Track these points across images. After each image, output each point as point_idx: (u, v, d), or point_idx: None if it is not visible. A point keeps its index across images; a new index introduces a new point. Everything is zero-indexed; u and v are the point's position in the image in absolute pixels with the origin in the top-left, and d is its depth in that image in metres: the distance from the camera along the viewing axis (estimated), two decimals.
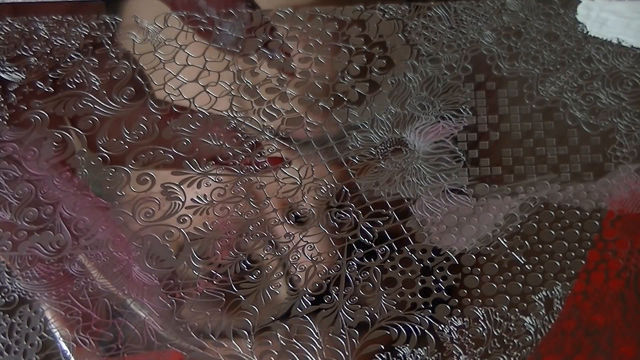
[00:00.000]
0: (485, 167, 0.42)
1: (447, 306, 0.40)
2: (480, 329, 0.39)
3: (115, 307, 0.41)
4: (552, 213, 0.41)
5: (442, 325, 0.39)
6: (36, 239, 0.42)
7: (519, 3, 0.46)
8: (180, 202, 0.43)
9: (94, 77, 0.46)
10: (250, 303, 0.40)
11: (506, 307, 0.39)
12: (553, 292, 0.40)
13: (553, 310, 0.39)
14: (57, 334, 0.39)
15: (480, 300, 0.40)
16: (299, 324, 0.40)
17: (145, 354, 0.40)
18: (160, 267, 0.41)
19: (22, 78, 0.46)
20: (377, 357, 0.39)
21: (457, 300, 0.40)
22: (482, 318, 0.39)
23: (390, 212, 0.42)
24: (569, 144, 0.43)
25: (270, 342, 0.40)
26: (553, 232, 0.41)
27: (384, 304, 0.40)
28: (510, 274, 0.40)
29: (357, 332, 0.39)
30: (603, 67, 0.44)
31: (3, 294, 0.41)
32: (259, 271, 0.41)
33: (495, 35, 0.45)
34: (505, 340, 0.39)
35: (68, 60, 0.46)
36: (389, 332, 0.39)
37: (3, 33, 0.47)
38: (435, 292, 0.40)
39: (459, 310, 0.40)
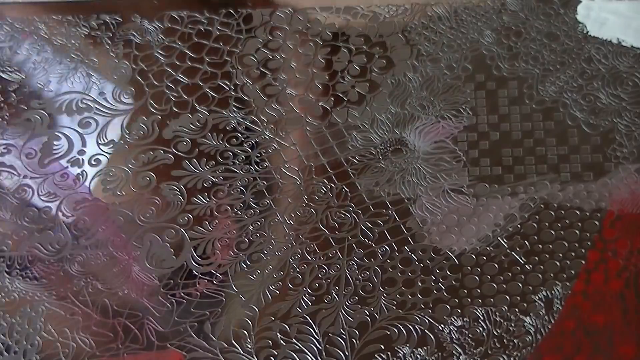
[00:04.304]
0: (485, 167, 0.42)
1: (447, 306, 0.40)
2: (480, 329, 0.39)
3: (116, 307, 0.41)
4: (552, 213, 0.41)
5: (442, 325, 0.39)
6: (36, 239, 0.42)
7: (519, 3, 0.46)
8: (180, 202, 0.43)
9: (94, 76, 0.46)
10: (250, 303, 0.40)
11: (506, 307, 0.39)
12: (553, 292, 0.40)
13: (553, 310, 0.39)
14: None
15: (480, 300, 0.40)
16: (299, 324, 0.40)
17: (145, 354, 0.40)
18: (160, 267, 0.41)
19: (22, 78, 0.46)
20: (377, 357, 0.39)
21: (457, 300, 0.40)
22: (482, 318, 0.39)
23: (390, 212, 0.42)
24: (569, 144, 0.43)
25: (270, 342, 0.40)
26: (553, 232, 0.41)
27: (384, 304, 0.40)
28: (510, 274, 0.40)
29: (357, 332, 0.39)
30: (603, 67, 0.44)
31: (3, 294, 0.41)
32: (259, 271, 0.41)
33: (495, 35, 0.45)
34: (505, 340, 0.39)
35: (69, 60, 0.46)
36: (388, 332, 0.39)
37: (3, 33, 0.47)
38: (435, 292, 0.40)
39: (459, 310, 0.40)
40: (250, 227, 0.42)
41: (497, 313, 0.39)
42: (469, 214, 0.41)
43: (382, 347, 0.39)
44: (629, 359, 0.38)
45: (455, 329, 0.39)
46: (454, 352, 0.39)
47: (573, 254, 0.40)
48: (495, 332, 0.39)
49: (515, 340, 0.39)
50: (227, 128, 0.44)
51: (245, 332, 0.40)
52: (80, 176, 0.44)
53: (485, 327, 0.39)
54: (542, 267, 0.40)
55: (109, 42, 0.47)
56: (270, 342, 0.40)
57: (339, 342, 0.39)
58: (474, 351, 0.39)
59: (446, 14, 0.46)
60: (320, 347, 0.39)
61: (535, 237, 0.41)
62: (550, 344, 0.39)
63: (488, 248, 0.41)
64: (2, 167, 0.44)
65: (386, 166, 0.43)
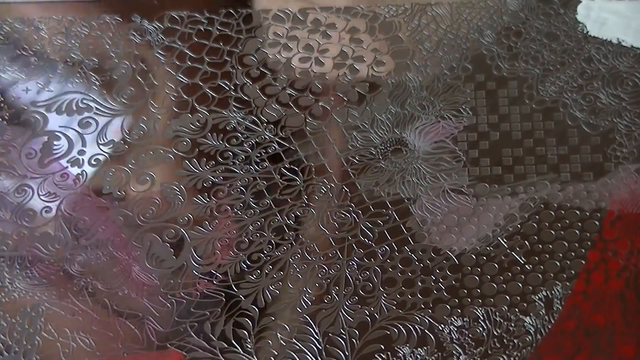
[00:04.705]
0: (485, 167, 0.42)
1: (447, 306, 0.40)
2: (480, 329, 0.39)
3: (116, 307, 0.41)
4: (552, 213, 0.41)
5: (442, 325, 0.39)
6: (36, 239, 0.42)
7: (519, 3, 0.46)
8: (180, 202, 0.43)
9: (94, 77, 0.46)
10: (250, 303, 0.40)
11: (506, 307, 0.39)
12: (553, 292, 0.39)
13: (553, 310, 0.39)
14: None
15: (480, 300, 0.40)
16: (299, 324, 0.40)
17: (145, 354, 0.40)
18: (160, 267, 0.41)
19: (23, 77, 0.46)
20: (377, 357, 0.39)
21: (457, 300, 0.40)
22: (482, 318, 0.39)
23: (390, 212, 0.42)
24: (569, 144, 0.43)
25: (270, 342, 0.40)
26: (553, 232, 0.41)
27: (384, 304, 0.40)
28: (510, 274, 0.40)
29: (357, 332, 0.39)
30: (603, 67, 0.44)
31: (3, 294, 0.41)
32: (259, 271, 0.41)
33: (495, 35, 0.45)
34: (505, 340, 0.39)
35: (69, 60, 0.46)
36: (388, 332, 0.39)
37: (3, 33, 0.47)
38: (435, 292, 0.40)
39: (459, 310, 0.40)
40: (250, 227, 0.42)
41: (497, 313, 0.39)
42: (469, 214, 0.41)
43: (382, 347, 0.39)
44: (629, 359, 0.38)
45: (455, 329, 0.39)
46: (454, 352, 0.39)
47: (573, 254, 0.40)
48: (495, 332, 0.39)
49: (515, 340, 0.39)
50: (227, 128, 0.44)
51: (245, 332, 0.40)
52: (80, 176, 0.44)
53: (485, 327, 0.39)
54: (542, 267, 0.40)
55: (109, 42, 0.47)
56: (270, 342, 0.40)
57: (339, 342, 0.39)
58: (474, 351, 0.39)
59: (446, 14, 0.46)
60: (320, 347, 0.39)
61: (535, 237, 0.41)
62: (550, 344, 0.39)
63: (488, 248, 0.41)
64: (2, 167, 0.44)
65: (386, 166, 0.43)
